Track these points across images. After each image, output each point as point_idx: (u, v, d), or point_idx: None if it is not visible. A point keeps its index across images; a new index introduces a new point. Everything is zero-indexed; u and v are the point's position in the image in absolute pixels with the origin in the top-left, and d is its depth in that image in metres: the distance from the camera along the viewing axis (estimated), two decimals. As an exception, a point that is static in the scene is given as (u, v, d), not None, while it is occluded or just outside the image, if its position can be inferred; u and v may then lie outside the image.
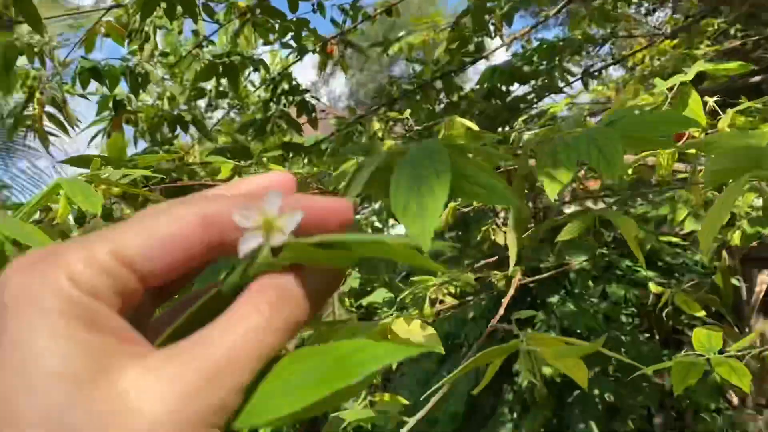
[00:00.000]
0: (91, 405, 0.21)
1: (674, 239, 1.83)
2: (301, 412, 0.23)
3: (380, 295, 2.95)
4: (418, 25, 2.29)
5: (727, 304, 2.71)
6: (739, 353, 0.82)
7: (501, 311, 0.65)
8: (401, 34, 2.38)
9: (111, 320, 0.23)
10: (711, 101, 0.78)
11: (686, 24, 1.90)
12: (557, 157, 0.73)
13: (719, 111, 0.80)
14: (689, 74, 0.83)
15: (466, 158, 0.46)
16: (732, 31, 3.73)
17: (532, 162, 0.83)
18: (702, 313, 0.97)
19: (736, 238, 1.58)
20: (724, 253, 1.91)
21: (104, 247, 0.23)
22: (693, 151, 0.81)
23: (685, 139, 0.81)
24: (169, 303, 0.32)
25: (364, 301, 2.95)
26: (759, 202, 1.59)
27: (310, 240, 0.25)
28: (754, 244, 1.77)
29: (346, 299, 2.76)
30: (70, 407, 0.20)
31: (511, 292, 0.68)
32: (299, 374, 0.23)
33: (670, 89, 0.89)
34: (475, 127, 0.90)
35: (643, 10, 3.67)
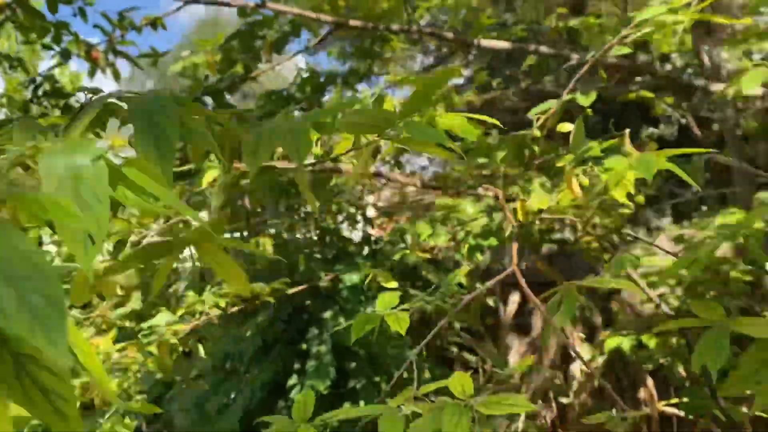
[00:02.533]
0: None
1: (426, 255, 2.06)
2: None
3: (163, 318, 2.87)
4: (203, 46, 2.37)
5: (477, 321, 3.09)
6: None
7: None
8: (186, 53, 2.43)
9: None
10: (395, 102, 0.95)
11: (430, 66, 2.19)
12: (260, 140, 0.85)
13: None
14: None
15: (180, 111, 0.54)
16: (495, 84, 4.29)
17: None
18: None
19: (464, 251, 1.83)
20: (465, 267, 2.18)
21: None
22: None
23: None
24: None
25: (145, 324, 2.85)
26: (484, 220, 1.87)
27: None
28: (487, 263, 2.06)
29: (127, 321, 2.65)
30: None
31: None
32: None
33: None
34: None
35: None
